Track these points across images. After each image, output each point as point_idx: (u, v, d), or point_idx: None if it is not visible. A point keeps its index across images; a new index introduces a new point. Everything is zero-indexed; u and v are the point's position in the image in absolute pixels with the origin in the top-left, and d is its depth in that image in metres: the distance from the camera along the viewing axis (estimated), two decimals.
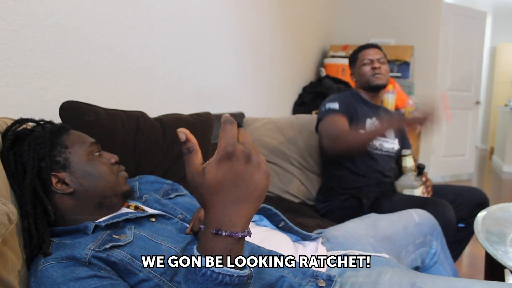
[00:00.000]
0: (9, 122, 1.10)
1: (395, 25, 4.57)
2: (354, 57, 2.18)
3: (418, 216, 1.46)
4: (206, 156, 1.68)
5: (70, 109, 1.27)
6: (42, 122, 1.11)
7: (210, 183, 0.60)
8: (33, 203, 0.97)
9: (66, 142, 1.04)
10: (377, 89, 2.12)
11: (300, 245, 1.17)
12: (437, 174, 5.02)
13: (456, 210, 1.80)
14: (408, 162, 2.03)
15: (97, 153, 1.08)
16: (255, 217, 1.20)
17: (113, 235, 0.94)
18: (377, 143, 2.05)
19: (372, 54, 2.12)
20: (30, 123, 1.12)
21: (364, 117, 2.07)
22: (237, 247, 0.60)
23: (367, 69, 2.11)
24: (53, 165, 1.01)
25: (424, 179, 2.01)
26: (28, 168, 0.97)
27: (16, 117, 1.19)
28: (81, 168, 1.03)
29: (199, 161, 0.62)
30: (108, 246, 0.88)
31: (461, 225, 1.92)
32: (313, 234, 1.22)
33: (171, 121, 1.57)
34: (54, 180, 1.00)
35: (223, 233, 0.58)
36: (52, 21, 1.43)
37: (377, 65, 2.10)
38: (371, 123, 2.06)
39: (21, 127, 1.09)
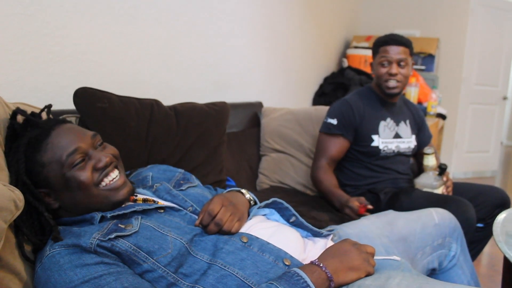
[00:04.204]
0: (22, 108, 1.08)
1: (421, 16, 4.45)
2: (376, 49, 2.02)
3: (438, 217, 1.40)
4: (220, 146, 1.67)
5: (83, 96, 1.27)
6: (32, 117, 1.04)
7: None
8: (28, 212, 0.94)
9: (43, 160, 0.96)
10: (389, 97, 2.02)
11: (310, 242, 1.14)
12: (459, 170, 4.91)
13: (475, 210, 1.74)
14: (430, 160, 1.97)
15: (79, 162, 0.97)
16: (266, 211, 1.18)
17: (119, 224, 0.93)
18: (393, 146, 2.00)
19: (393, 53, 1.92)
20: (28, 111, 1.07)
21: (377, 119, 2.00)
22: (325, 283, 0.90)
23: (383, 71, 1.95)
24: (36, 183, 0.97)
25: (445, 179, 1.95)
26: (13, 181, 0.94)
27: (31, 102, 1.19)
28: (60, 185, 0.97)
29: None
30: (113, 236, 0.88)
31: (479, 225, 1.86)
32: (324, 231, 1.19)
33: (186, 110, 1.56)
34: (42, 193, 0.98)
35: (330, 276, 0.91)
36: (68, 6, 1.42)
37: (394, 70, 1.92)
38: (384, 125, 2.00)
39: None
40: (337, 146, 1.98)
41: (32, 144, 0.97)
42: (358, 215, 1.73)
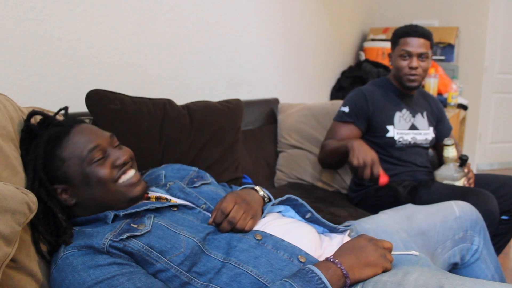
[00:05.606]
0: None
1: (439, 5, 4.34)
2: (395, 40, 1.98)
3: (459, 209, 1.36)
4: (235, 143, 1.66)
5: (95, 98, 1.27)
6: (51, 115, 1.08)
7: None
8: (45, 212, 0.96)
9: (63, 155, 0.98)
10: (408, 89, 1.99)
11: (326, 238, 1.13)
12: (484, 161, 4.79)
13: (498, 202, 1.68)
14: (450, 152, 1.92)
15: (99, 159, 0.99)
16: (281, 208, 1.17)
17: (132, 224, 0.93)
18: (409, 137, 1.96)
19: (414, 46, 1.88)
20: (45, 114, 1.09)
21: (392, 110, 1.97)
22: (341, 280, 0.89)
23: (403, 64, 1.92)
24: (54, 178, 0.98)
25: (466, 170, 1.90)
26: (29, 180, 0.95)
27: (45, 106, 1.21)
28: (79, 180, 0.98)
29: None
30: (124, 236, 0.88)
31: (504, 217, 1.80)
32: (340, 227, 1.17)
33: (199, 108, 1.55)
34: (58, 191, 0.99)
35: (345, 273, 0.89)
36: (80, 9, 1.43)
37: (415, 63, 1.88)
38: (400, 116, 1.97)
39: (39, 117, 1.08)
40: (347, 132, 1.96)
41: (53, 140, 0.99)
42: (371, 180, 1.65)
